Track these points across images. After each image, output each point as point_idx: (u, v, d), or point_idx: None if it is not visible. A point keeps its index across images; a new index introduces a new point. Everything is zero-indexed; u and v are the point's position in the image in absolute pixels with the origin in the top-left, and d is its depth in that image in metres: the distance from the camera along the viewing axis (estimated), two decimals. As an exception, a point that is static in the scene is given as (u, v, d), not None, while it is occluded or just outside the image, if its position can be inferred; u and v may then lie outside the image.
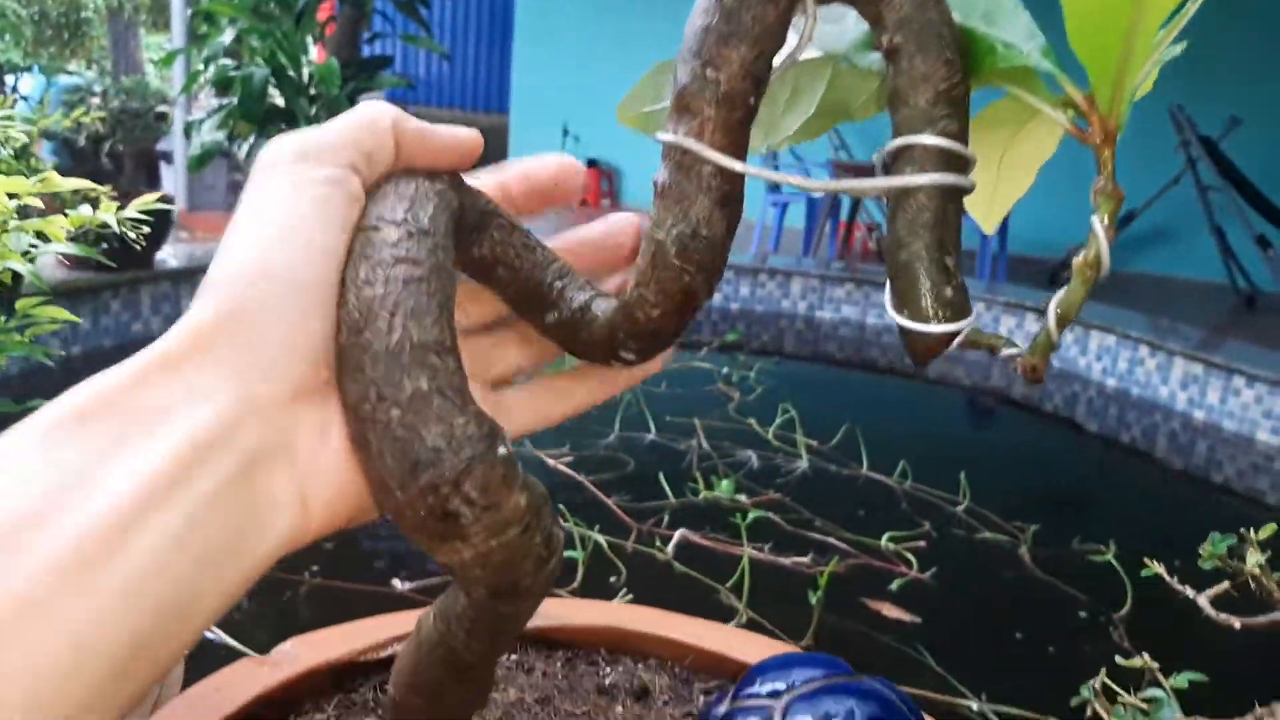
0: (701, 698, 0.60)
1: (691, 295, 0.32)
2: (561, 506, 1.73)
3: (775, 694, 0.42)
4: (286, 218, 0.26)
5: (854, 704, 0.41)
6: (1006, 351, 0.31)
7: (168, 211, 3.15)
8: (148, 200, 0.56)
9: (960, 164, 0.28)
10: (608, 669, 0.59)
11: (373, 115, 0.29)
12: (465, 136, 0.32)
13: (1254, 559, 0.50)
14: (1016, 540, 1.86)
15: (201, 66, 3.55)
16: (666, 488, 1.95)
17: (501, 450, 0.28)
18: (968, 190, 0.28)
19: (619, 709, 0.56)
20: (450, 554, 0.28)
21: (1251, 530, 0.54)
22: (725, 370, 2.96)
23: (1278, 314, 4.67)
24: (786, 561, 1.69)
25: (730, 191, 0.31)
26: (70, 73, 5.28)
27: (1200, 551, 0.54)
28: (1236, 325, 4.55)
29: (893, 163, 0.29)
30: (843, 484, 2.11)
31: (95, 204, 0.69)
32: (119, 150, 3.53)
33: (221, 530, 0.23)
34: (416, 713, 0.39)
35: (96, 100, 3.71)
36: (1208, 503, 2.42)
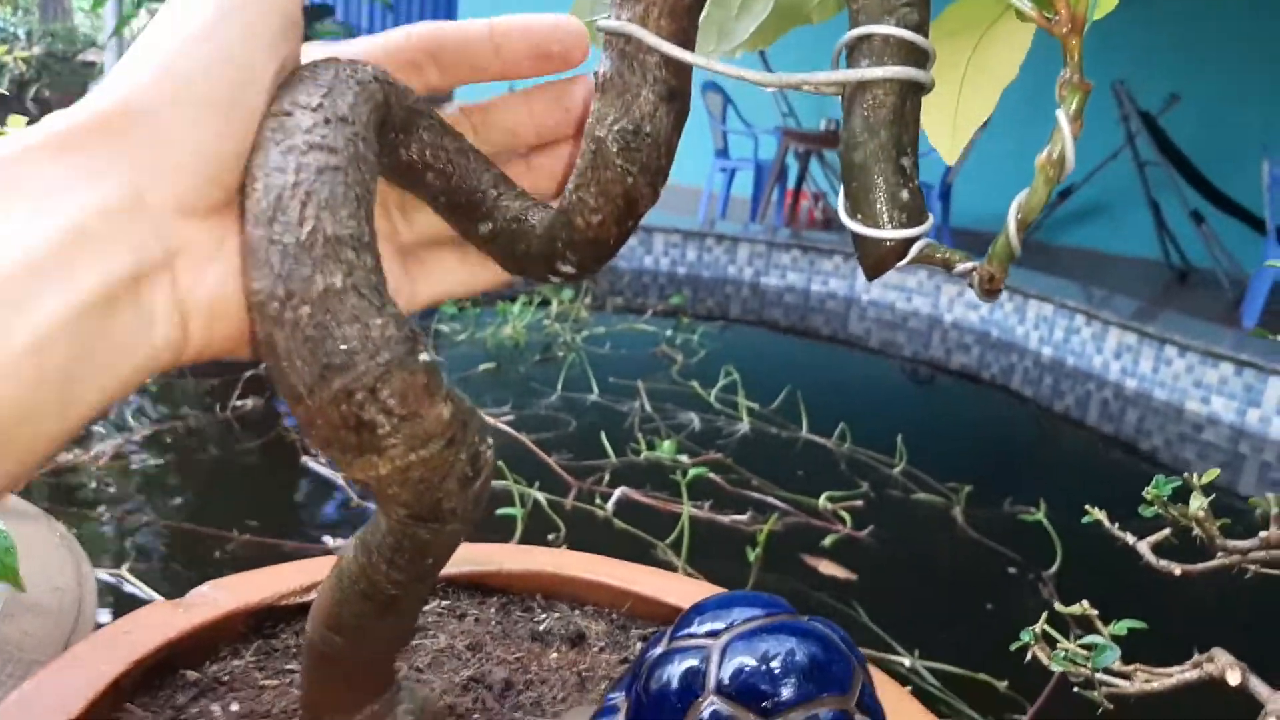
0: (638, 643, 0.59)
1: (634, 199, 0.30)
2: (501, 464, 1.71)
3: (713, 634, 0.41)
4: (211, 25, 0.25)
5: (794, 643, 0.39)
6: (962, 266, 0.29)
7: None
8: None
9: (920, 57, 0.26)
10: (542, 615, 0.58)
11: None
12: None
13: (1197, 503, 0.49)
14: (950, 501, 1.89)
15: (133, 10, 3.41)
16: (608, 447, 1.94)
17: (424, 356, 0.26)
18: (927, 87, 0.27)
19: (553, 655, 0.54)
20: (365, 469, 0.26)
21: (1195, 475, 0.53)
22: (669, 334, 2.95)
23: (1210, 289, 4.79)
24: (726, 519, 1.69)
25: (677, 86, 0.29)
26: (-7, 16, 5.05)
27: (1144, 495, 0.54)
28: (1170, 299, 4.66)
29: (849, 55, 0.27)
30: (783, 446, 2.12)
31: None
32: (45, 96, 3.38)
33: (100, 328, 0.22)
34: (336, 652, 0.37)
35: (21, 45, 3.55)
36: (1135, 469, 2.47)
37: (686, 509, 1.65)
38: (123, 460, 1.71)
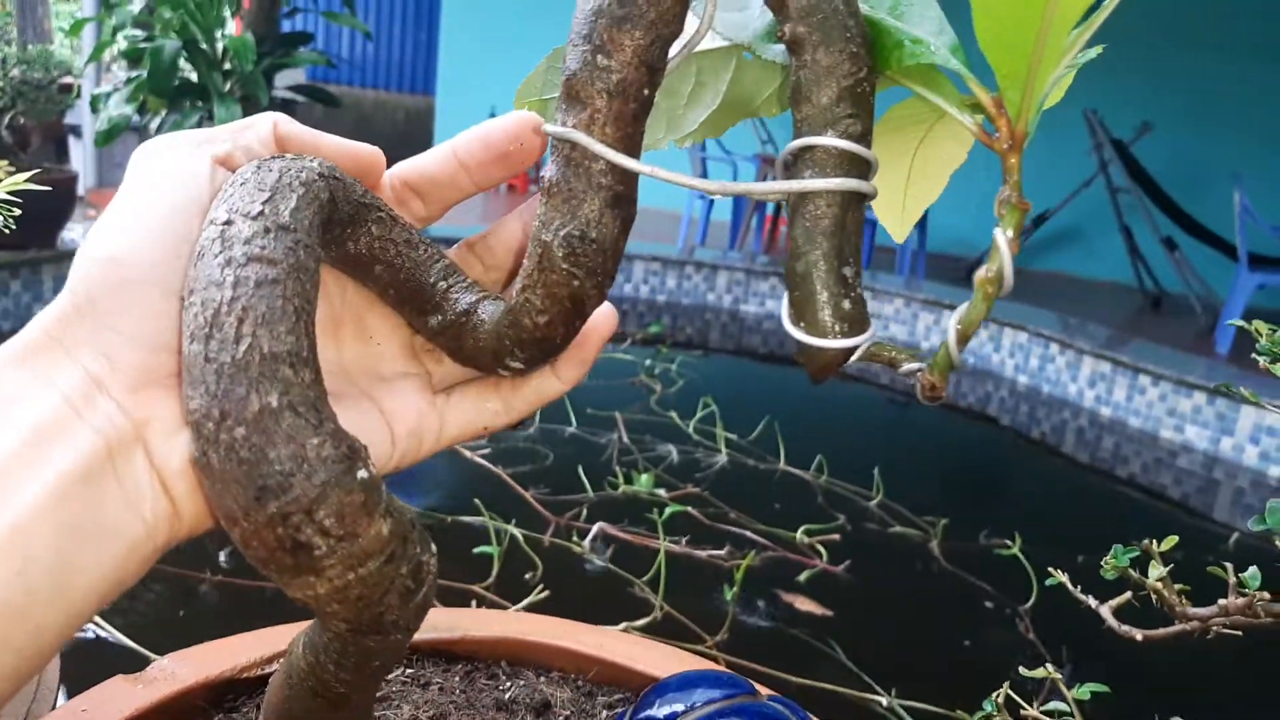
0: (604, 712, 0.59)
1: (580, 301, 0.30)
2: (478, 501, 1.70)
3: (672, 716, 0.40)
4: (149, 206, 0.26)
5: (753, 724, 0.39)
6: (907, 367, 0.29)
7: (72, 188, 3.01)
8: (16, 181, 0.52)
9: (862, 168, 0.26)
10: (508, 683, 0.57)
11: (255, 119, 0.29)
12: (363, 152, 0.31)
13: (1156, 573, 0.49)
14: (927, 534, 1.89)
15: (110, 36, 3.40)
16: (585, 482, 1.93)
17: (362, 473, 0.25)
18: (869, 196, 0.27)
19: (517, 724, 0.53)
20: (302, 589, 0.25)
21: (1154, 542, 0.54)
22: (648, 363, 2.95)
23: (1181, 315, 4.84)
24: (703, 554, 1.69)
25: (623, 192, 0.29)
26: (-31, 41, 5.02)
27: (1103, 564, 0.54)
28: (1142, 325, 4.70)
29: (793, 164, 0.27)
30: (760, 478, 2.12)
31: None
32: (21, 123, 3.37)
33: (84, 509, 0.23)
34: (288, 746, 0.36)
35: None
36: (1113, 495, 2.49)
37: (664, 545, 1.64)
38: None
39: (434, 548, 0.29)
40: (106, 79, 4.51)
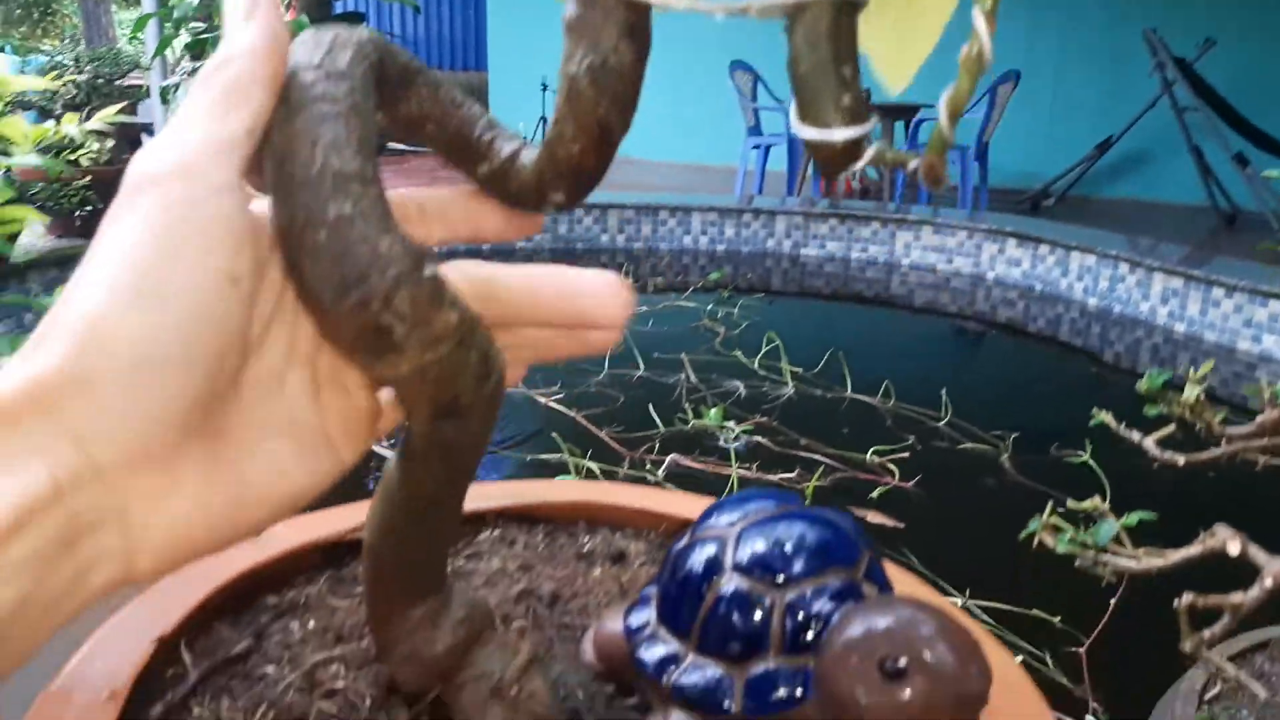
0: (676, 560, 0.64)
1: (607, 128, 0.33)
2: (555, 435, 1.77)
3: (731, 524, 0.45)
4: (162, 272, 0.24)
5: (804, 527, 0.44)
6: (913, 164, 0.33)
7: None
8: (109, 113, 0.58)
9: (854, -25, 0.30)
10: (586, 539, 0.62)
11: (234, 80, 0.27)
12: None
13: (1192, 392, 0.53)
14: (997, 449, 1.90)
15: (173, 30, 3.51)
16: (656, 418, 1.98)
17: (429, 270, 0.30)
18: (861, 3, 0.31)
19: (597, 571, 0.59)
20: (388, 369, 0.29)
21: (1191, 368, 0.56)
22: (710, 307, 2.99)
23: (1258, 231, 4.69)
24: (774, 479, 1.73)
25: (636, 23, 0.32)
26: (44, 52, 5.21)
27: (1138, 387, 0.57)
28: (1218, 244, 4.57)
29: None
30: (828, 407, 2.15)
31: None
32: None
33: (36, 585, 0.22)
34: (390, 555, 0.42)
35: (71, 70, 3.68)
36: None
37: (735, 472, 1.69)
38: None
39: (498, 345, 0.34)
40: (173, 75, 4.65)
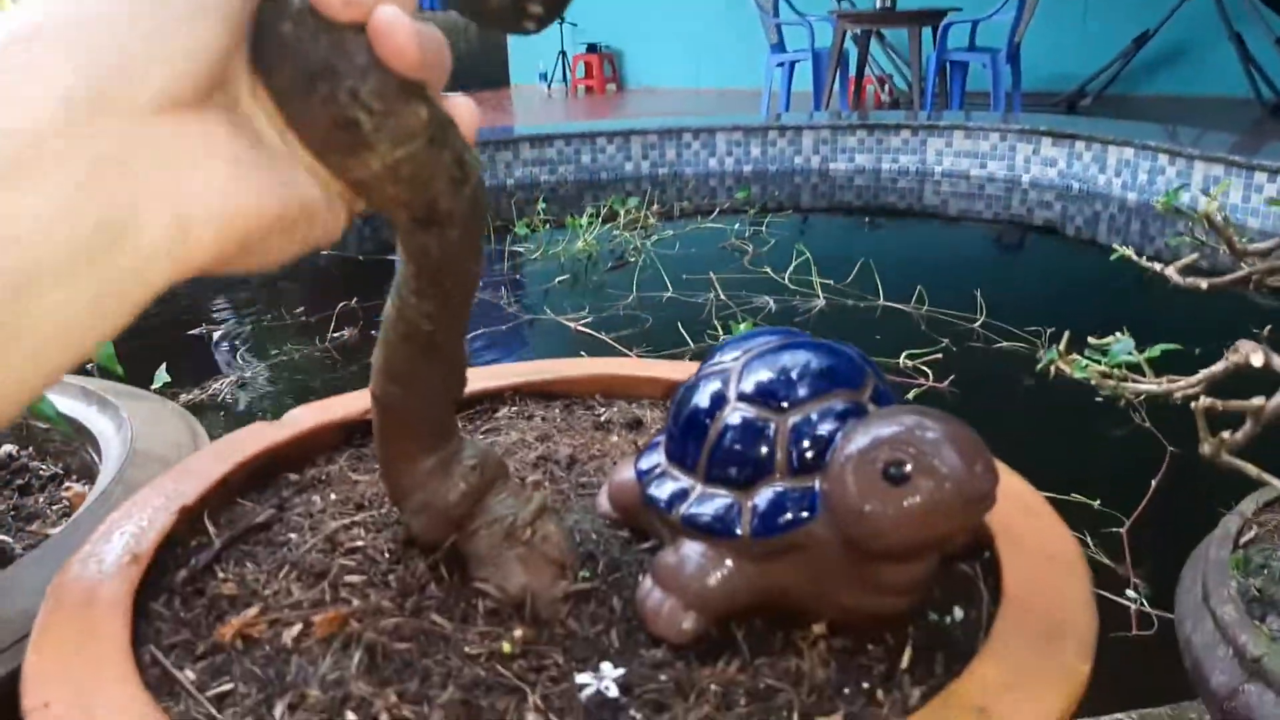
0: (693, 427, 0.64)
1: None
2: (583, 353, 1.77)
3: (735, 359, 0.45)
4: None
5: (808, 355, 0.43)
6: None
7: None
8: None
9: None
10: (603, 410, 0.63)
11: None
12: None
13: (1210, 205, 0.51)
14: (1034, 347, 1.88)
15: None
16: (686, 336, 1.98)
17: None
18: None
19: (614, 437, 0.59)
20: (361, 168, 0.29)
21: (1210, 191, 0.55)
22: (737, 226, 2.96)
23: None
24: (807, 384, 1.72)
25: None
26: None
27: (1154, 203, 0.55)
28: (1263, 132, 4.43)
29: None
30: (860, 315, 2.13)
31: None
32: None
33: (85, 217, 0.21)
34: (397, 402, 0.42)
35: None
36: (1231, 297, 2.40)
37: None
38: (243, 390, 1.83)
39: (474, 149, 0.33)
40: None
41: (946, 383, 1.71)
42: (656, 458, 0.45)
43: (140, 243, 0.22)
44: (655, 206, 3.17)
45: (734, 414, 0.42)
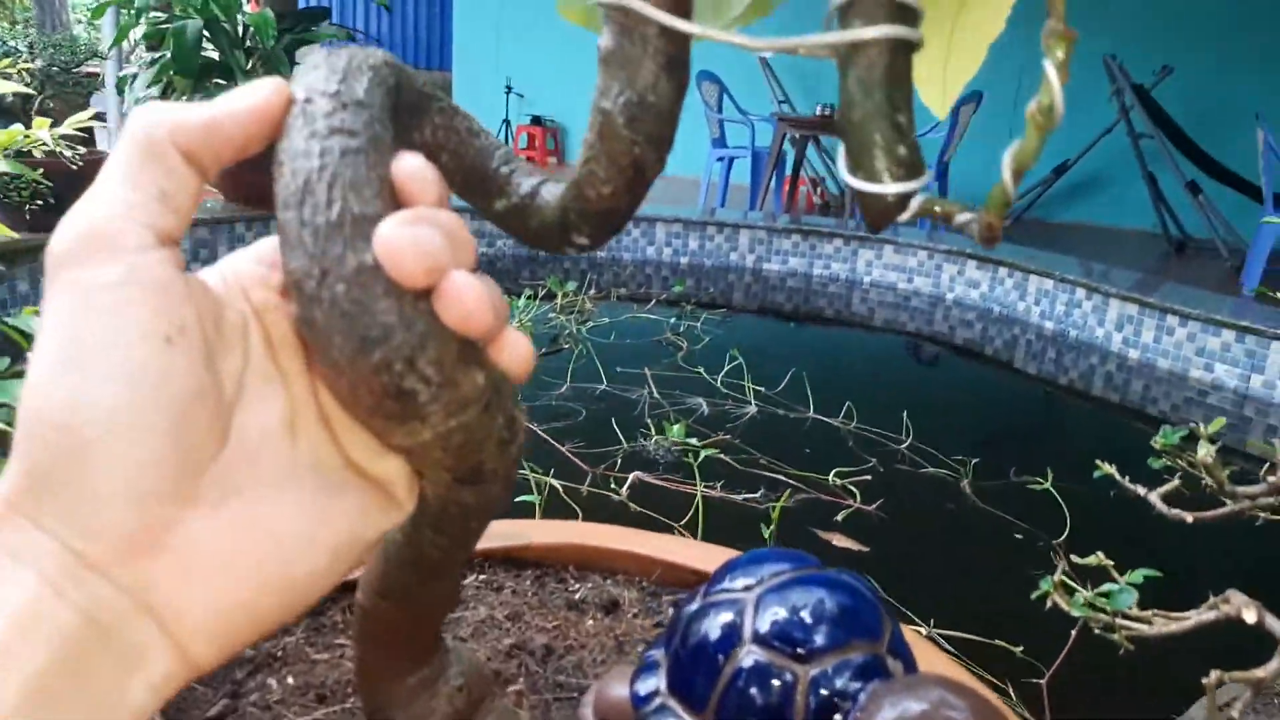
0: (670, 609, 0.61)
1: (642, 168, 0.31)
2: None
3: (747, 588, 0.43)
4: (83, 341, 0.22)
5: (824, 594, 0.42)
6: (961, 217, 0.31)
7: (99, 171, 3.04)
8: (80, 118, 0.55)
9: (909, 16, 0.28)
10: (576, 585, 0.60)
11: (145, 140, 0.24)
12: (259, 94, 0.26)
13: (1204, 449, 0.52)
14: (958, 474, 1.91)
15: (132, 19, 3.42)
16: (619, 434, 1.96)
17: None
18: (917, 45, 0.29)
19: (589, 622, 0.56)
20: (409, 436, 0.27)
21: (1202, 425, 0.56)
22: (673, 321, 2.97)
23: (1208, 258, 4.80)
24: (738, 498, 1.72)
25: (676, 55, 0.30)
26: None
27: (1153, 443, 0.56)
28: (1168, 270, 4.67)
29: (841, 18, 0.29)
30: (790, 426, 2.14)
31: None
32: (50, 108, 3.40)
33: (79, 692, 0.21)
34: (387, 617, 0.39)
35: (24, 58, 3.57)
36: (1144, 433, 2.49)
37: (700, 489, 1.68)
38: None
39: (521, 404, 0.31)
40: (128, 64, 4.55)
41: (875, 506, 1.73)
42: (655, 682, 0.43)
43: (140, 679, 0.23)
44: (593, 290, 3.17)
45: (749, 657, 0.40)
